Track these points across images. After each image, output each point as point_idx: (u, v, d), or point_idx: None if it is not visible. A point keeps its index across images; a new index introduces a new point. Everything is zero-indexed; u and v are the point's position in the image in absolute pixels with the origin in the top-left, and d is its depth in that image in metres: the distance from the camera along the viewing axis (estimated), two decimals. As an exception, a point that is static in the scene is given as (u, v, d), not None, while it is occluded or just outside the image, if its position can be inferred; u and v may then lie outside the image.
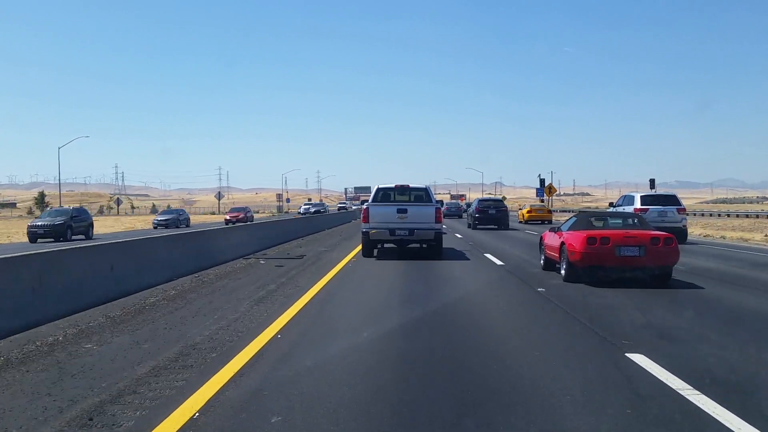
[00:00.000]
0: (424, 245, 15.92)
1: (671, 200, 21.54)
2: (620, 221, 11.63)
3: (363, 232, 15.79)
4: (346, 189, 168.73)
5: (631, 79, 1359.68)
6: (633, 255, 10.25)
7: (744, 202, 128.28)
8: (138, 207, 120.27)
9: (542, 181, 54.73)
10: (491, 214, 31.55)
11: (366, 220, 15.66)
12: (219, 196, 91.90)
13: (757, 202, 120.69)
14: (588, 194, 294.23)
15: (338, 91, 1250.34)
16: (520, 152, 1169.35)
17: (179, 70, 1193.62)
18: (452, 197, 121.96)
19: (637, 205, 20.85)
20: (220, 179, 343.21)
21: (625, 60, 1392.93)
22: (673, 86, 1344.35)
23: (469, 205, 45.76)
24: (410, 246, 16.41)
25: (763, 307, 8.74)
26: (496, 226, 31.34)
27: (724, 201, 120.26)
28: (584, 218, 12.00)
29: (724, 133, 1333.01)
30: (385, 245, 16.83)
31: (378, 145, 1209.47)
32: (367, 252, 15.82)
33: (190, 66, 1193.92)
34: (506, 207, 33.94)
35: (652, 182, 39.95)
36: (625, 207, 21.28)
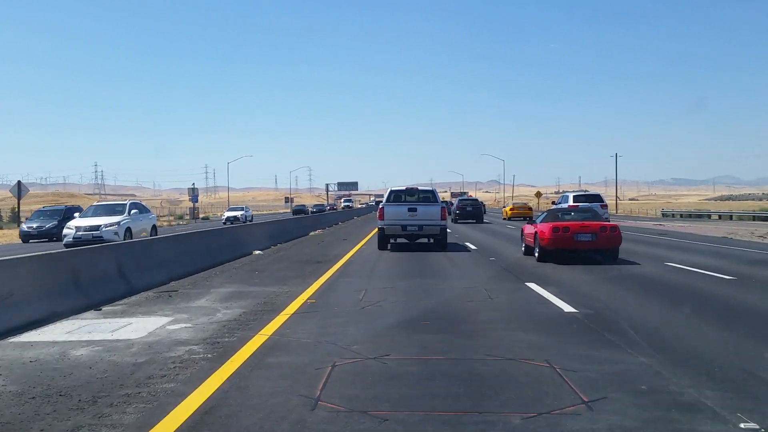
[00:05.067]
0: (431, 239, 18.42)
1: (597, 198, 28.44)
2: (579, 215, 14.76)
3: (379, 228, 18.29)
4: (327, 185, 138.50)
5: (628, 76, 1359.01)
6: (587, 240, 13.48)
7: (752, 199, 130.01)
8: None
9: None
10: (469, 210, 39.13)
11: (381, 217, 18.08)
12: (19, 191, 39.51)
13: (765, 199, 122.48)
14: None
15: (333, 90, 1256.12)
16: (517, 151, 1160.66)
17: (175, 69, 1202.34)
18: (452, 195, 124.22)
19: (570, 202, 26.75)
20: (206, 178, 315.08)
21: (623, 57, 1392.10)
22: (669, 84, 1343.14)
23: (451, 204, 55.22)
24: (418, 240, 18.69)
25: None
26: (474, 220, 38.38)
27: (729, 198, 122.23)
28: (553, 213, 15.28)
29: (720, 130, 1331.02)
30: (398, 239, 18.82)
31: (375, 143, 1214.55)
32: (381, 245, 18.20)
33: (185, 65, 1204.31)
34: (481, 204, 41.93)
35: None
36: (563, 203, 27.14)
